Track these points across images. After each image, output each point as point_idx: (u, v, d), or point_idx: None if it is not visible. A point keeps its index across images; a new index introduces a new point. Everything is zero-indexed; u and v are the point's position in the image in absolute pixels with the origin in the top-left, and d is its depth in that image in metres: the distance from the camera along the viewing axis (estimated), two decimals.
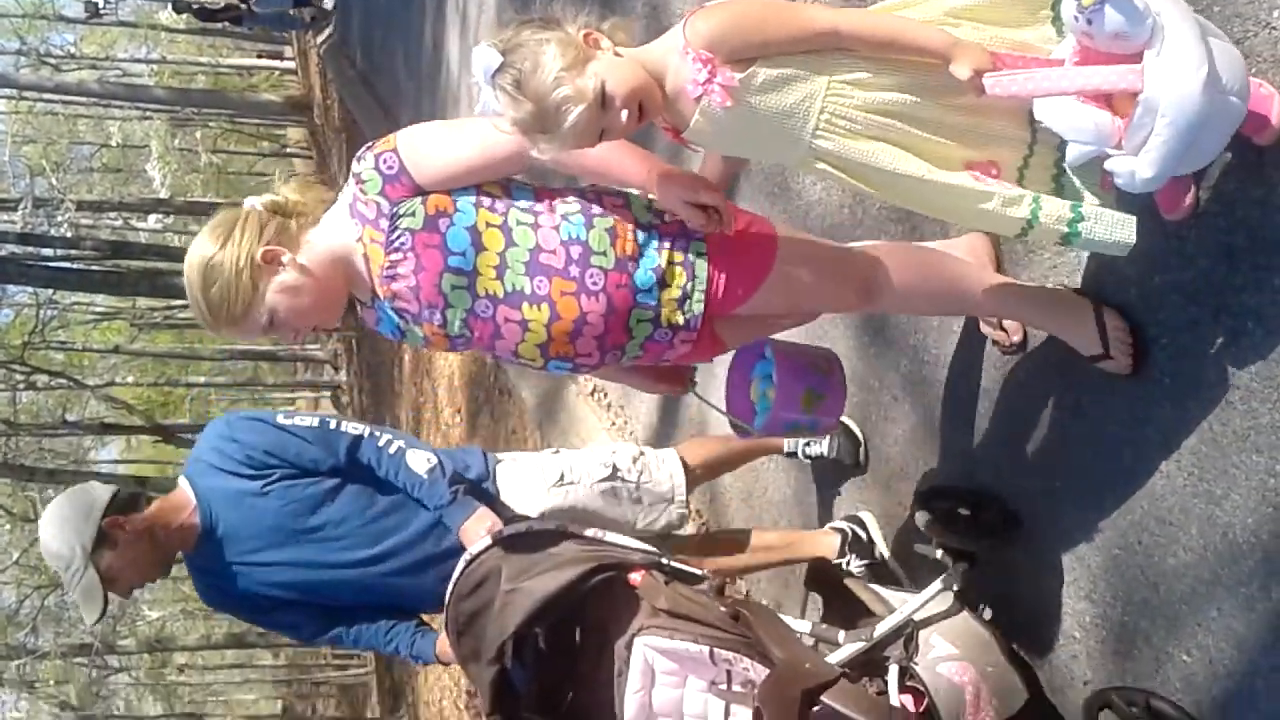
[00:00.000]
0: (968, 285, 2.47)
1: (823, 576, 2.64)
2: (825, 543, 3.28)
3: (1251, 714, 2.14)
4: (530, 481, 3.11)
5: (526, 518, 2.72)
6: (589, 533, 2.51)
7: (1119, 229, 2.03)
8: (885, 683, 2.39)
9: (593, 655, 2.48)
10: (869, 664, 2.41)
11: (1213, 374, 2.16)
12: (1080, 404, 2.49)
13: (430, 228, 2.23)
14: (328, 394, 24.29)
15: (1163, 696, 2.24)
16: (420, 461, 2.92)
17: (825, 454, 3.36)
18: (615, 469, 3.15)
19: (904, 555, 3.09)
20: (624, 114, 1.97)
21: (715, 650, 2.37)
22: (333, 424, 2.98)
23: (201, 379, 24.51)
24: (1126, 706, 2.22)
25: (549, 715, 2.49)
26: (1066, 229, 2.02)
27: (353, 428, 2.98)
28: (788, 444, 3.43)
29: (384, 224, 2.25)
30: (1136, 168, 1.89)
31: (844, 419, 3.29)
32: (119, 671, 22.22)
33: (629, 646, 2.40)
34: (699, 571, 2.49)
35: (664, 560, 2.49)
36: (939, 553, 2.54)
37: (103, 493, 3.01)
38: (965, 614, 2.50)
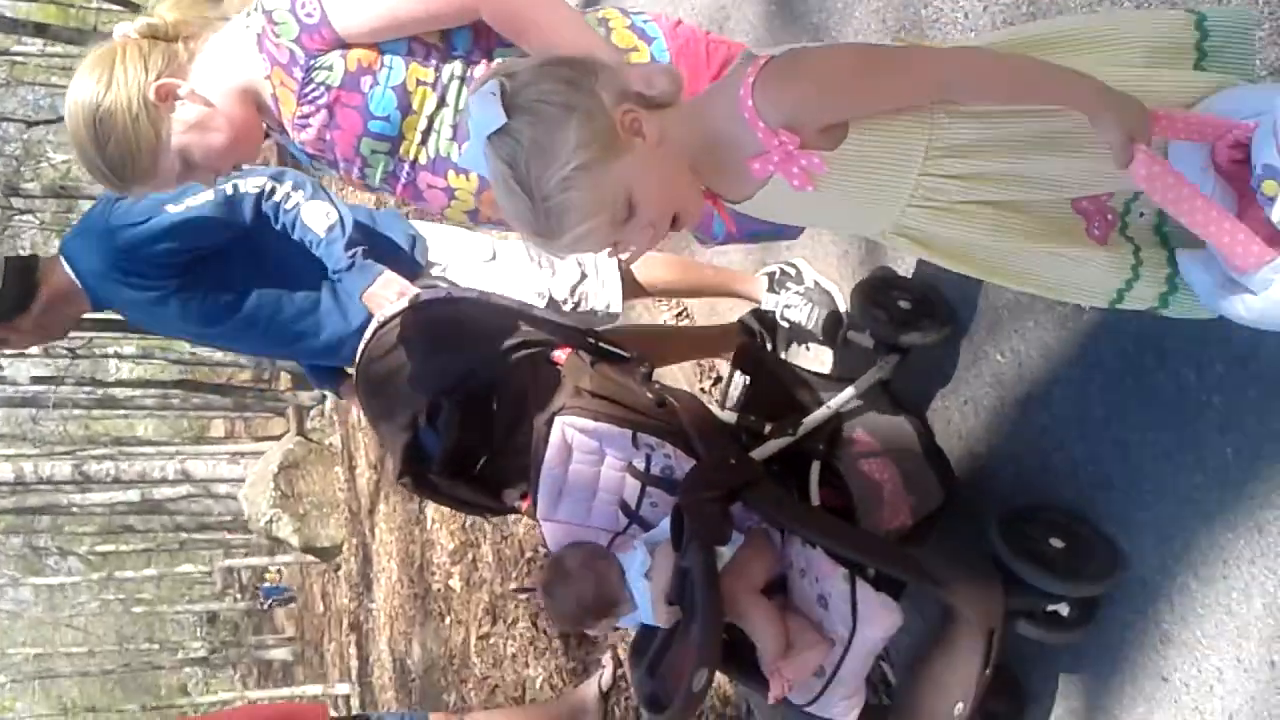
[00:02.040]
0: None
1: (751, 359, 2.56)
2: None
3: (1045, 414, 2.34)
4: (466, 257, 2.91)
5: (446, 282, 2.56)
6: (514, 304, 2.38)
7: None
8: (807, 479, 2.39)
9: (508, 425, 2.41)
10: (792, 458, 2.39)
11: None
12: None
13: (350, 86, 1.91)
14: None
15: (1081, 518, 2.26)
16: (317, 217, 2.64)
17: (804, 323, 3.04)
18: (550, 299, 2.91)
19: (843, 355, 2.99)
20: (650, 230, 1.52)
21: (638, 434, 2.32)
22: (230, 189, 2.65)
23: None
24: (1037, 526, 2.24)
25: (459, 479, 2.44)
26: (1156, 304, 1.68)
27: (253, 183, 2.66)
28: (766, 300, 3.13)
29: (297, 73, 1.92)
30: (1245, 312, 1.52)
31: (829, 287, 3.05)
32: (24, 214, 21.93)
33: (548, 423, 2.33)
34: (626, 354, 2.40)
35: (590, 340, 2.39)
36: (871, 343, 2.46)
37: None
38: (890, 408, 2.46)
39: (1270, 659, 1.92)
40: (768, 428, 2.38)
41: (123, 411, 23.31)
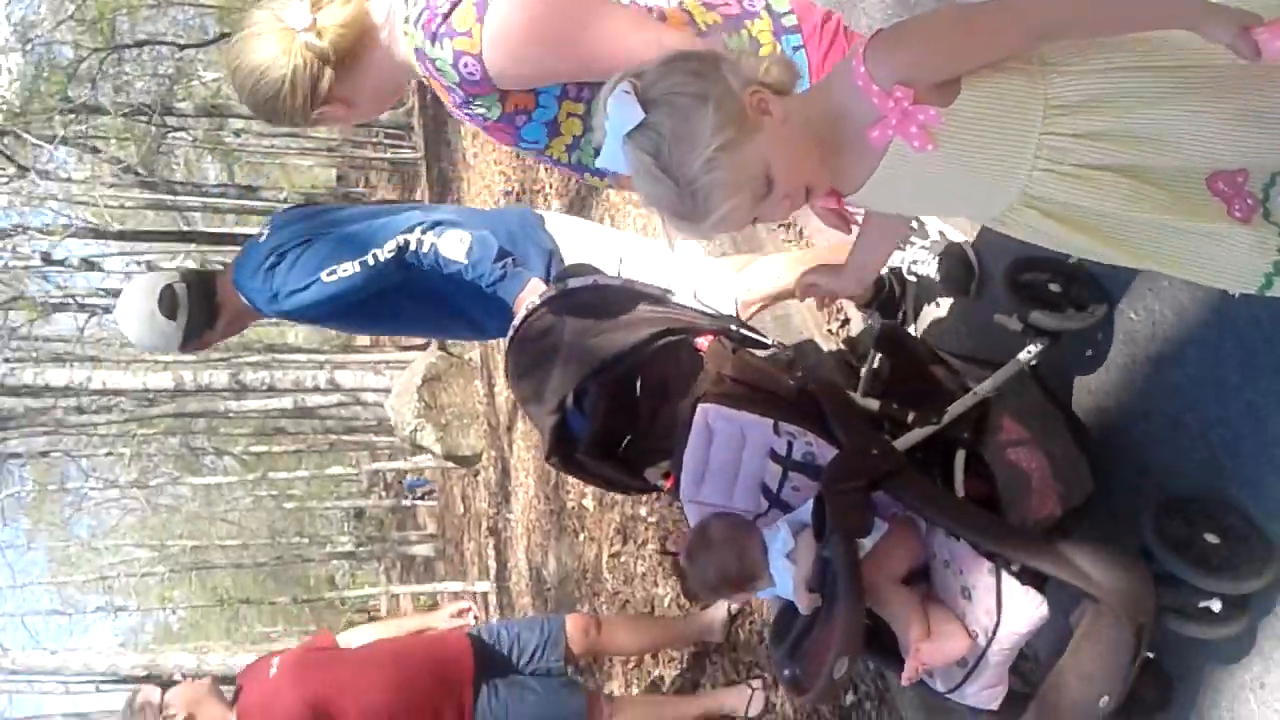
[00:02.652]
0: None
1: (893, 340, 2.53)
2: None
3: (1179, 373, 2.34)
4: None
5: (593, 270, 2.59)
6: (657, 292, 2.40)
7: None
8: (952, 466, 2.37)
9: (652, 408, 2.46)
10: (936, 446, 2.38)
11: None
12: None
13: (506, 121, 2.04)
14: None
15: (1235, 508, 2.20)
16: (454, 246, 2.78)
17: (932, 276, 3.00)
18: None
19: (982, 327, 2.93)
20: (787, 202, 1.57)
21: (779, 422, 2.33)
22: (370, 259, 2.83)
23: None
24: (1192, 520, 2.19)
25: (605, 459, 2.50)
26: None
27: (389, 247, 2.82)
28: (893, 257, 3.06)
29: (456, 98, 2.04)
30: None
31: (955, 237, 2.98)
32: (177, 131, 22.55)
33: (692, 408, 2.35)
34: (768, 340, 2.40)
35: (733, 326, 2.40)
36: (1019, 326, 2.41)
37: (174, 332, 3.05)
38: (1039, 394, 2.42)
39: None
40: (910, 415, 2.37)
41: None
